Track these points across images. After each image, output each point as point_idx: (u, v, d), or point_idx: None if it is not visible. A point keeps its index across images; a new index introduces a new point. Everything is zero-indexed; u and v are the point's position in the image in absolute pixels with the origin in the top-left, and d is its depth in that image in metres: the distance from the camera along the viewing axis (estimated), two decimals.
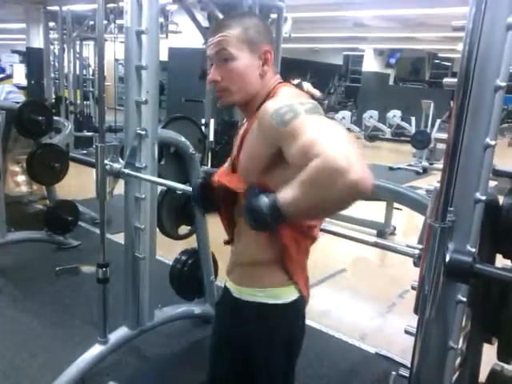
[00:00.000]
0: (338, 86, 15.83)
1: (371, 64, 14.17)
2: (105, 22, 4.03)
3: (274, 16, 5.19)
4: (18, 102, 3.30)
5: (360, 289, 3.40)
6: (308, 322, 2.70)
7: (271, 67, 1.12)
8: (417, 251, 1.40)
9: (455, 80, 1.22)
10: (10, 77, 8.64)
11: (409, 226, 5.05)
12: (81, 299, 2.81)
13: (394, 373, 1.60)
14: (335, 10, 8.12)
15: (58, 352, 2.31)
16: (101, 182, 2.19)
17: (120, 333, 2.25)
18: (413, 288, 1.44)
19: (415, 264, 1.41)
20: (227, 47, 1.08)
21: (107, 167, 2.18)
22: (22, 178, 4.04)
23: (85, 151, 6.94)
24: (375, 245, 1.56)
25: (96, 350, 2.15)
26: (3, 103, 3.35)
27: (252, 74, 1.10)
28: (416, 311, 1.39)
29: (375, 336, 2.73)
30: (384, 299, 3.20)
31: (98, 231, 3.29)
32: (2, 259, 3.29)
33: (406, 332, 1.44)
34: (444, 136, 1.32)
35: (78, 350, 2.16)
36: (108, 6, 5.85)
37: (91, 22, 7.24)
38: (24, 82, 11.05)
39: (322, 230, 1.68)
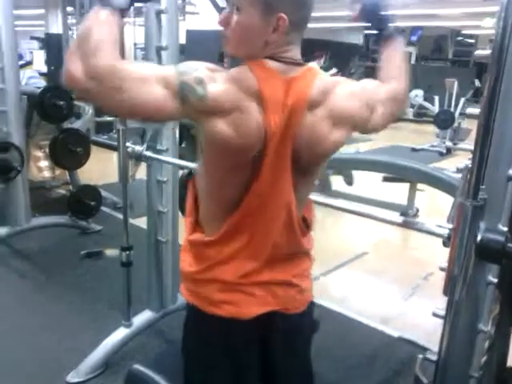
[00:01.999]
0: (359, 65, 15.54)
1: None
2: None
3: None
4: (39, 87, 3.31)
5: (382, 272, 3.36)
6: (329, 305, 2.71)
7: (283, 38, 0.97)
8: (446, 231, 1.36)
9: (488, 52, 1.17)
10: (29, 63, 8.71)
11: (432, 207, 4.96)
12: (104, 283, 2.84)
13: (420, 356, 1.58)
14: None
15: (83, 335, 2.34)
16: (123, 165, 2.19)
17: (144, 316, 2.27)
18: (441, 269, 1.40)
19: (444, 244, 1.37)
20: None
21: (129, 150, 2.17)
22: (44, 164, 4.09)
23: (105, 136, 6.96)
24: (403, 225, 1.52)
25: (120, 333, 2.17)
26: (25, 88, 3.37)
27: (255, 37, 0.97)
28: (445, 293, 1.36)
29: (399, 320, 2.70)
30: (407, 282, 3.16)
31: (119, 216, 3.32)
32: (26, 244, 3.34)
33: (434, 315, 1.40)
34: (476, 111, 1.27)
35: (102, 334, 2.18)
36: None
37: None
38: (44, 69, 11.12)
39: (347, 210, 1.65)
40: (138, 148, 2.18)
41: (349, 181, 5.06)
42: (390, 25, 1.27)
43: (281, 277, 1.11)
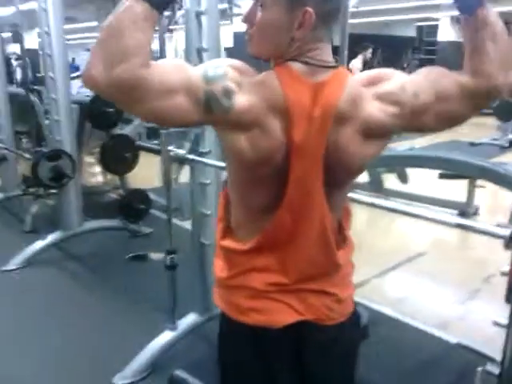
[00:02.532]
0: (412, 59, 15.06)
1: (448, 33, 13.31)
2: (168, 13, 4.07)
3: None
4: (89, 96, 3.41)
5: (440, 273, 3.17)
6: (383, 309, 2.58)
7: (309, 34, 0.89)
8: (508, 232, 1.24)
9: None
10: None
11: (494, 205, 4.67)
12: (151, 285, 2.85)
13: (479, 368, 1.44)
14: None
15: (130, 337, 2.35)
16: (165, 168, 2.19)
17: (189, 319, 2.25)
18: (503, 274, 1.28)
19: (507, 246, 1.24)
20: None
21: (171, 154, 2.17)
22: (97, 169, 4.21)
23: (156, 141, 7.11)
24: (459, 226, 1.40)
25: (166, 336, 2.17)
26: (76, 97, 3.48)
27: (280, 34, 0.90)
28: (508, 300, 1.24)
29: (457, 325, 2.53)
30: (467, 284, 2.96)
31: None
32: (79, 247, 3.43)
33: (495, 324, 1.28)
34: None
35: (149, 336, 2.19)
36: None
37: None
38: None
39: (399, 211, 1.55)
40: (181, 151, 2.17)
41: (403, 178, 4.86)
42: None
43: (315, 286, 1.04)
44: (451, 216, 1.38)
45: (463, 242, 3.81)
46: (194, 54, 2.07)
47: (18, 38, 3.87)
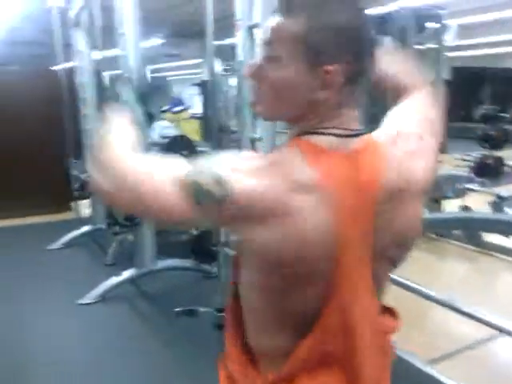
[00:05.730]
0: None
1: None
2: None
3: (431, 25, 4.75)
4: (166, 138, 3.55)
5: None
6: None
7: (333, 98, 0.74)
8: None
9: None
10: (186, 109, 9.63)
11: None
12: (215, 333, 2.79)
13: None
14: None
15: None
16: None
17: None
18: None
19: None
20: (275, 42, 0.74)
21: None
22: None
23: None
24: None
25: None
26: (156, 139, 3.65)
27: (297, 96, 0.75)
28: None
29: None
30: None
31: None
32: (151, 285, 3.51)
33: None
34: None
35: None
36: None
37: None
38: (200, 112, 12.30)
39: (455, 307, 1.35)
40: None
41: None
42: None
43: None
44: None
45: None
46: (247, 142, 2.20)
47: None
